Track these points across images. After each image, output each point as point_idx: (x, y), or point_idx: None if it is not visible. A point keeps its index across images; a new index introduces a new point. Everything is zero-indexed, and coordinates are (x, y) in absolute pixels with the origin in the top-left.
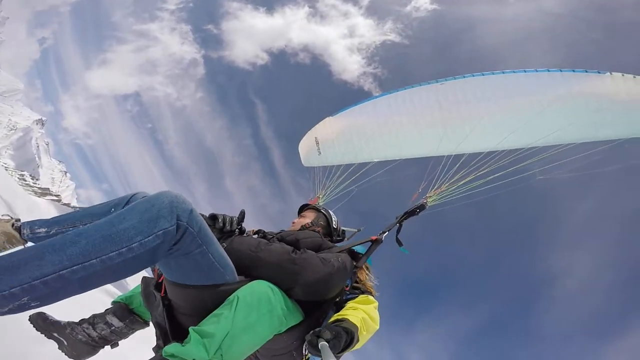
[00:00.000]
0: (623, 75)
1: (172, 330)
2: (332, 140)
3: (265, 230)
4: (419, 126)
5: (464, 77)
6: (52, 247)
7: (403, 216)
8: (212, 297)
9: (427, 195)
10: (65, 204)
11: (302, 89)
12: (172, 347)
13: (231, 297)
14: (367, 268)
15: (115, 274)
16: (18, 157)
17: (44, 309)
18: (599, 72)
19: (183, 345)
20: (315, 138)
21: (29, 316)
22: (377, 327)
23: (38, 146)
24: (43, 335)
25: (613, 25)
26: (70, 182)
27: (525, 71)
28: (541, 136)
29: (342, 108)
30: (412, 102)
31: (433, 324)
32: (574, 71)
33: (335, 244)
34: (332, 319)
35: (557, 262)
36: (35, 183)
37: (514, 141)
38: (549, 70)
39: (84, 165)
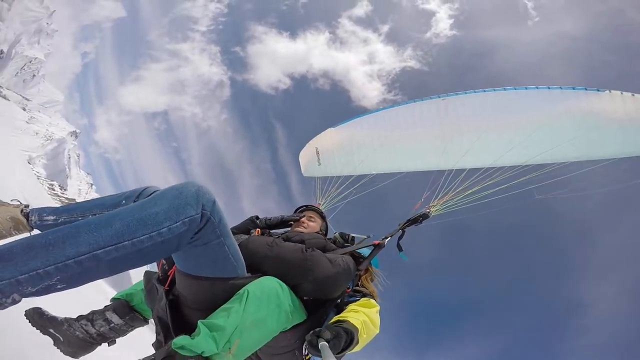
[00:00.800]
0: (622, 93)
1: (175, 325)
2: (332, 152)
3: (270, 232)
4: (420, 140)
5: (466, 92)
6: (88, 227)
7: (405, 223)
8: (223, 291)
9: (431, 204)
10: None
11: (321, 114)
12: (182, 339)
13: (241, 291)
14: (372, 272)
15: (143, 258)
16: (50, 167)
17: (40, 304)
18: (597, 90)
19: (192, 338)
20: (316, 148)
21: (25, 311)
22: (377, 331)
23: (70, 157)
24: (38, 331)
25: (629, 46)
26: (95, 195)
27: (526, 88)
28: (539, 153)
29: (344, 120)
30: (413, 116)
31: (448, 353)
32: (573, 89)
33: (338, 247)
34: (333, 320)
35: (587, 291)
36: (63, 193)
37: (511, 158)
38: (549, 88)
39: (109, 179)
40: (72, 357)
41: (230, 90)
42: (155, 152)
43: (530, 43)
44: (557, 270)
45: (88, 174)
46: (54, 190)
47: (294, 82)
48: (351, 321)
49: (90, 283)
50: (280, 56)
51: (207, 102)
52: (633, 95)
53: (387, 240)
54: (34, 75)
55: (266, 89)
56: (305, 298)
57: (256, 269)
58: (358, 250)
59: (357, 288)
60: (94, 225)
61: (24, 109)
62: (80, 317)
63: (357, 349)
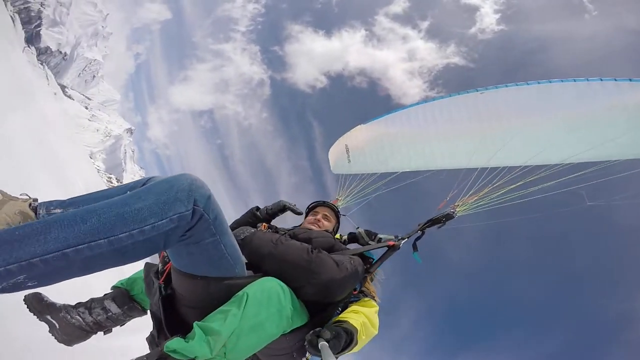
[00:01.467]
0: None
1: (168, 322)
2: (362, 149)
3: (277, 227)
4: (455, 136)
5: (507, 85)
6: (60, 222)
7: (426, 223)
8: (220, 291)
9: (456, 204)
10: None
11: (359, 112)
12: (175, 343)
13: (240, 293)
14: (373, 273)
15: (122, 257)
16: (108, 161)
17: (41, 290)
18: None
19: (186, 341)
20: (346, 145)
21: (24, 296)
22: (376, 332)
23: (125, 152)
24: (35, 317)
25: None
26: None
27: (575, 80)
28: (588, 149)
29: (375, 116)
30: (449, 112)
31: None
32: (630, 80)
33: (347, 247)
34: (333, 320)
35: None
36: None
37: (553, 155)
38: (601, 80)
39: (160, 173)
40: (66, 344)
41: (270, 89)
42: (201, 148)
43: (588, 38)
44: (605, 280)
45: (141, 167)
46: (112, 183)
47: (330, 80)
48: (351, 322)
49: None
50: (316, 55)
51: (248, 101)
52: None
53: (403, 241)
54: (94, 76)
55: (304, 88)
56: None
57: (257, 266)
58: (365, 252)
59: (361, 289)
60: (68, 220)
61: (86, 108)
62: (79, 305)
63: (355, 349)
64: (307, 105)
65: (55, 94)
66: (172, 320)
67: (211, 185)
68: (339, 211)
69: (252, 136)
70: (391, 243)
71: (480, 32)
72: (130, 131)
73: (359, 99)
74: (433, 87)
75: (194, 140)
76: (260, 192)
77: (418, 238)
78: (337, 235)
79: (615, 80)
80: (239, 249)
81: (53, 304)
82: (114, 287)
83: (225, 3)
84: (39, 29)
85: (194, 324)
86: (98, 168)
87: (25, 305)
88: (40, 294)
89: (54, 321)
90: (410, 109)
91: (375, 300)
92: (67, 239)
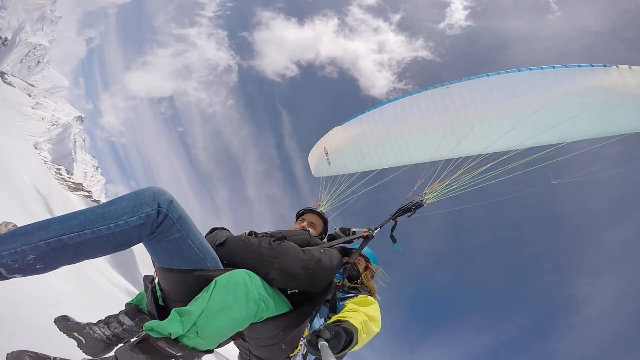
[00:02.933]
0: (630, 67)
1: (161, 318)
2: (341, 150)
3: (257, 232)
4: (427, 130)
5: (469, 79)
6: (58, 219)
7: (397, 213)
8: (195, 282)
9: (424, 192)
10: (95, 201)
11: (328, 102)
12: (152, 323)
13: (212, 282)
14: (372, 270)
15: (105, 245)
16: (56, 152)
17: (67, 314)
18: (605, 66)
19: (162, 322)
20: (325, 148)
21: (55, 319)
22: (378, 330)
23: (75, 142)
24: (65, 335)
25: None
26: (101, 178)
27: (530, 69)
28: (550, 133)
29: (349, 117)
30: (418, 107)
31: (444, 344)
32: (579, 66)
33: (324, 242)
34: (333, 320)
35: (581, 289)
36: (70, 178)
37: (523, 139)
38: (554, 67)
39: (115, 163)
40: (93, 357)
41: (237, 76)
42: (161, 137)
43: (550, 38)
44: (556, 265)
45: (94, 157)
46: (61, 175)
47: (301, 69)
48: (351, 321)
49: (65, 266)
50: (288, 43)
51: (213, 88)
52: None
53: (376, 231)
54: (38, 62)
55: (273, 76)
56: (290, 292)
57: (232, 265)
58: (352, 246)
59: (356, 285)
60: (64, 218)
61: (29, 96)
62: (100, 322)
63: (356, 348)
64: (276, 94)
65: None
66: (165, 316)
67: (172, 173)
68: (326, 218)
69: (216, 124)
70: (365, 234)
71: (449, 27)
72: (80, 119)
73: (329, 90)
74: (401, 79)
75: (153, 128)
76: (225, 180)
77: (393, 229)
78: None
79: (566, 67)
80: (208, 245)
81: (78, 323)
82: (126, 305)
83: None
84: None
85: (172, 310)
86: (45, 159)
87: (57, 327)
88: (67, 316)
89: (80, 337)
90: (382, 107)
91: (374, 297)
92: (63, 229)
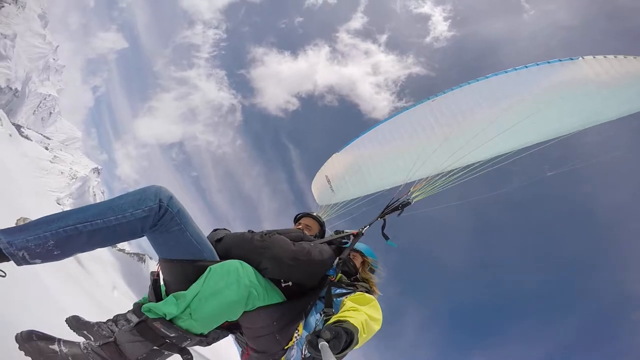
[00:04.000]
0: (594, 57)
1: None
2: (342, 176)
3: (254, 230)
4: (422, 146)
5: (452, 89)
6: (75, 211)
7: (384, 211)
8: (193, 271)
9: (411, 190)
10: (120, 250)
11: (333, 130)
12: (149, 304)
13: (206, 270)
14: (369, 263)
15: (113, 233)
16: (77, 206)
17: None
18: (571, 59)
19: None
20: (326, 176)
21: (66, 319)
22: (378, 328)
23: (95, 195)
24: (75, 333)
25: (626, 31)
26: None
27: (506, 72)
28: (539, 131)
29: (346, 142)
30: (410, 124)
31: (493, 354)
32: (549, 62)
33: (317, 240)
34: (333, 319)
35: (637, 285)
36: None
37: (515, 141)
38: (526, 67)
39: None
40: None
41: (241, 114)
42: (177, 183)
43: (530, 37)
44: (602, 262)
45: None
46: None
47: (301, 101)
48: (351, 321)
49: (79, 253)
50: (284, 76)
51: (220, 129)
52: (605, 57)
53: (365, 229)
54: (50, 113)
55: (276, 112)
56: (284, 285)
57: (229, 257)
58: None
59: (354, 282)
60: (79, 209)
61: (46, 148)
62: (108, 320)
63: (357, 347)
64: (280, 129)
65: (10, 135)
66: None
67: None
68: (322, 221)
69: (227, 165)
70: (354, 232)
71: (435, 40)
72: (97, 171)
73: (332, 118)
74: (401, 97)
75: (167, 175)
76: (242, 219)
77: (383, 227)
78: None
79: (549, 62)
80: (204, 238)
81: (88, 322)
82: (134, 304)
83: (183, 30)
84: None
85: (170, 294)
86: None
87: (67, 325)
88: (78, 316)
89: (89, 335)
90: (376, 128)
91: (372, 293)
92: (78, 218)
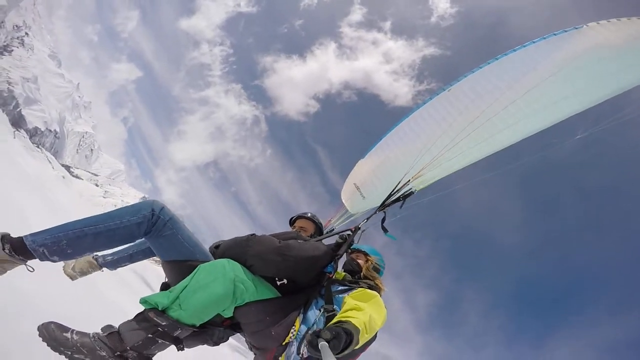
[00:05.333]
0: (598, 23)
1: None
2: (371, 181)
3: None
4: (448, 138)
5: (465, 76)
6: (86, 218)
7: (384, 204)
8: (188, 270)
9: (409, 179)
10: None
11: (357, 125)
12: (145, 297)
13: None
14: (372, 261)
15: (113, 236)
16: None
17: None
18: (576, 28)
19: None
20: (354, 184)
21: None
22: (382, 325)
23: None
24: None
25: None
26: None
27: (514, 50)
28: (559, 109)
29: (369, 147)
30: (430, 118)
31: (573, 337)
32: (555, 35)
33: (311, 238)
34: (335, 320)
35: None
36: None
37: (539, 121)
38: (533, 42)
39: None
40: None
41: (265, 125)
42: (218, 200)
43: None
44: None
45: None
46: None
47: (320, 102)
48: (353, 322)
49: (89, 253)
50: (298, 81)
51: (249, 142)
52: (609, 21)
53: (363, 223)
54: (91, 150)
55: (297, 116)
56: (279, 283)
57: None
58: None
59: (357, 279)
60: (89, 217)
61: (96, 185)
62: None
63: (358, 346)
64: (305, 133)
65: (63, 177)
66: None
67: (235, 232)
68: (317, 221)
69: (262, 176)
70: (353, 228)
71: (441, 19)
72: (145, 200)
73: (354, 113)
74: (421, 80)
75: (208, 194)
76: (284, 227)
77: (383, 220)
78: None
79: (555, 35)
80: (197, 241)
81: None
82: None
83: (190, 52)
84: (18, 109)
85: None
86: None
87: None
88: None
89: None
90: (397, 127)
91: (378, 290)
92: (84, 224)
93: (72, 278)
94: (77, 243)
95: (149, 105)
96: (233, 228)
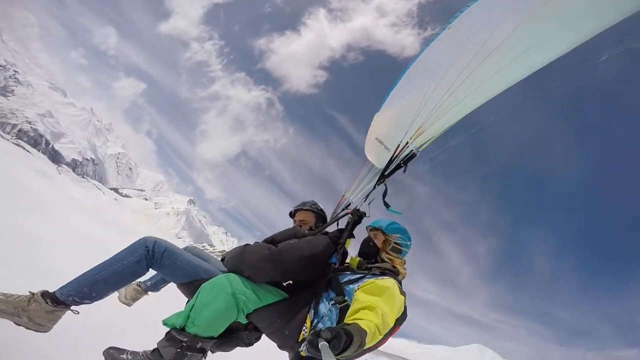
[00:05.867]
0: None
1: None
2: (389, 133)
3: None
4: (458, 78)
5: (461, 11)
6: (97, 265)
7: (383, 174)
8: (195, 289)
9: (407, 141)
10: None
11: (371, 83)
12: (165, 319)
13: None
14: (390, 241)
15: (120, 277)
16: (193, 235)
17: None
18: None
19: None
20: (376, 139)
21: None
22: (397, 315)
23: (200, 221)
24: None
25: None
26: (233, 239)
27: None
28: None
29: (382, 101)
30: (436, 59)
31: None
32: None
33: (311, 232)
34: (346, 320)
35: None
36: (214, 249)
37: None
38: None
39: (236, 223)
40: None
41: (280, 104)
42: (256, 186)
43: None
44: None
45: (219, 226)
46: (206, 249)
47: (327, 70)
48: (361, 324)
49: (109, 294)
50: (299, 54)
51: (269, 125)
52: None
53: (361, 205)
54: (130, 168)
55: (308, 90)
56: (285, 284)
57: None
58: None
59: (371, 264)
60: (98, 265)
61: (145, 199)
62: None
63: (371, 343)
64: (321, 103)
65: (115, 199)
66: None
67: (279, 212)
68: (316, 209)
69: (290, 155)
70: (349, 211)
71: None
72: (192, 202)
73: (364, 73)
74: (424, 27)
75: (245, 183)
76: (324, 198)
77: (385, 194)
78: None
79: None
80: (196, 262)
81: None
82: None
83: (182, 53)
84: (50, 145)
85: None
86: (190, 243)
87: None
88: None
89: None
90: (404, 76)
91: (393, 273)
92: (95, 271)
93: (128, 305)
94: (95, 288)
95: (165, 114)
96: (276, 210)
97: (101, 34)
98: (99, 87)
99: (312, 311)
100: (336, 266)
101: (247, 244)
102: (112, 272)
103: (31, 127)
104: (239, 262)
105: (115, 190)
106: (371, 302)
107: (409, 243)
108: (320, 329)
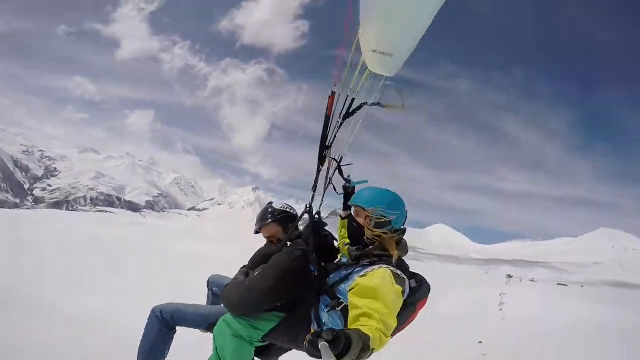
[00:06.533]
0: None
1: None
2: (387, 41)
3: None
4: None
5: None
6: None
7: (321, 154)
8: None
9: (351, 87)
10: None
11: (354, 3)
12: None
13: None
14: (372, 217)
15: (157, 349)
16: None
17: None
18: None
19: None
20: (374, 51)
21: None
22: (394, 321)
23: (272, 203)
24: None
25: None
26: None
27: None
28: None
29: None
30: None
31: None
32: None
33: (284, 241)
34: (350, 326)
35: None
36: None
37: None
38: None
39: (299, 189)
40: None
41: (280, 68)
42: (298, 150)
43: None
44: None
45: (289, 198)
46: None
47: (305, 17)
48: (363, 330)
49: None
50: (269, 17)
51: (279, 91)
52: None
53: (313, 197)
54: (192, 186)
55: (297, 44)
56: (280, 304)
57: None
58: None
59: (360, 252)
60: (139, 347)
61: (219, 204)
62: None
63: (380, 344)
64: (315, 51)
65: (198, 216)
66: None
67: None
68: (282, 217)
69: (312, 109)
70: (306, 208)
71: None
72: (256, 189)
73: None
74: None
75: (287, 151)
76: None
77: (341, 172)
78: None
79: None
80: (204, 309)
81: None
82: None
83: (159, 67)
84: (123, 198)
85: None
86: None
87: None
88: None
89: None
90: None
91: (383, 259)
92: (139, 352)
93: None
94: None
95: (186, 127)
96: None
97: (75, 86)
98: (115, 134)
99: (315, 322)
100: (316, 274)
101: (226, 285)
102: (149, 347)
103: (97, 192)
104: (226, 306)
105: (192, 208)
106: (367, 307)
107: (392, 211)
108: (321, 330)
